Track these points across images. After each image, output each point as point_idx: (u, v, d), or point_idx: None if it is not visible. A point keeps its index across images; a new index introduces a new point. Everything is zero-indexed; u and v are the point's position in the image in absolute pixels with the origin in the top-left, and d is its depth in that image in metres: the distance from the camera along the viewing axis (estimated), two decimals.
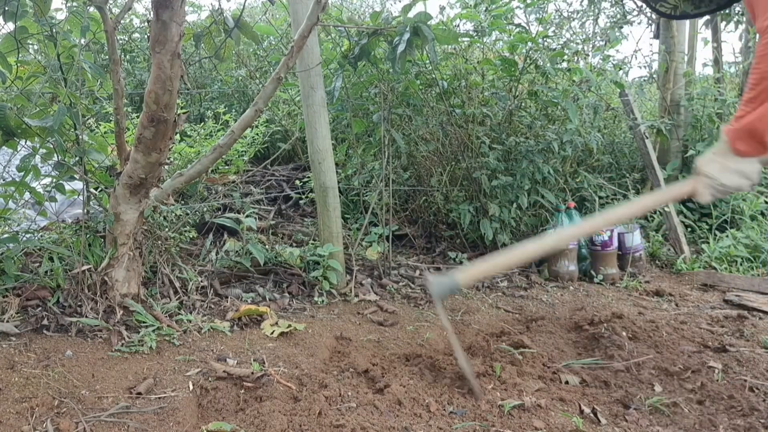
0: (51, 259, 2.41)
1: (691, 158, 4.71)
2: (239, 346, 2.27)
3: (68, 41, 2.26)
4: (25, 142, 2.35)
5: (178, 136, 3.33)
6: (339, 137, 4.12)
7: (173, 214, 2.91)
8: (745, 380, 2.12)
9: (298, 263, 3.04)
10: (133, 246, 2.43)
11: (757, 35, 1.60)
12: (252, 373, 2.01)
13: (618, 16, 6.31)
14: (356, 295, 2.99)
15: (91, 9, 2.20)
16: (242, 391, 1.94)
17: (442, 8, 3.93)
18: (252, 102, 2.37)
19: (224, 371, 2.01)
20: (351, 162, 3.95)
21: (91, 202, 2.53)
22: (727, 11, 5.36)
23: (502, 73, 3.69)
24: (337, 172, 3.17)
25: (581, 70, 3.63)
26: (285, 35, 4.10)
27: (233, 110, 4.57)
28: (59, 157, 2.34)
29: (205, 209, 3.35)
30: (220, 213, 3.43)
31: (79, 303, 2.31)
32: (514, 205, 3.62)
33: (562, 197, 3.81)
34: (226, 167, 3.88)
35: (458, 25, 3.80)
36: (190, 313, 2.53)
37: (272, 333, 2.39)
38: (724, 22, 5.53)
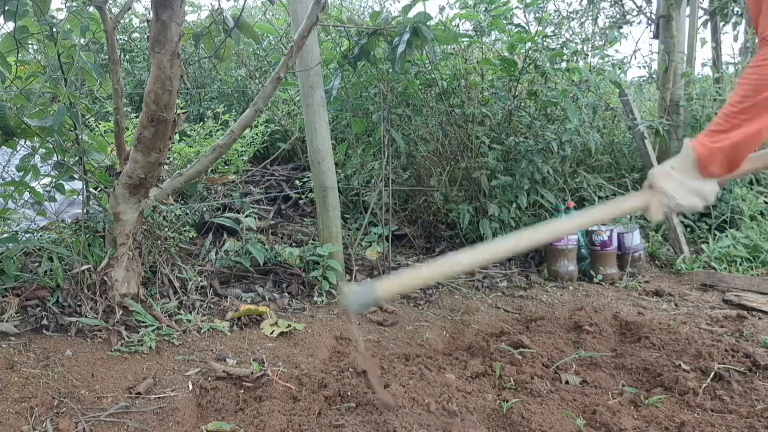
0: (50, 258, 2.41)
1: None
2: (239, 345, 2.27)
3: (68, 41, 2.26)
4: (25, 142, 2.34)
5: (177, 136, 3.32)
6: (339, 137, 4.12)
7: (173, 214, 2.91)
8: (746, 380, 2.12)
9: (297, 263, 3.04)
10: (132, 246, 2.43)
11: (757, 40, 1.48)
12: (251, 372, 2.01)
13: (617, 16, 6.31)
14: None
15: (91, 9, 2.20)
16: (242, 390, 1.94)
17: (442, 8, 3.93)
18: (251, 102, 2.37)
19: (224, 371, 2.01)
20: (351, 162, 3.94)
21: (90, 202, 2.53)
22: (725, 11, 5.37)
23: (501, 72, 3.69)
24: (336, 172, 3.17)
25: (580, 69, 3.63)
26: (285, 35, 4.10)
27: (233, 110, 4.57)
28: (59, 157, 2.34)
29: (204, 209, 3.35)
30: (219, 213, 3.42)
31: (79, 303, 2.31)
32: (514, 205, 3.62)
33: (562, 197, 3.81)
34: (226, 167, 3.88)
35: (458, 25, 3.80)
36: (190, 312, 2.53)
37: (272, 333, 2.39)
38: (722, 22, 5.54)
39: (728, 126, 1.38)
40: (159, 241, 2.71)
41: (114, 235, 2.37)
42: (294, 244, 3.42)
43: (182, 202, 3.38)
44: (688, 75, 4.93)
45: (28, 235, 2.49)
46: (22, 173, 2.30)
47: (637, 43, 13.61)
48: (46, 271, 2.37)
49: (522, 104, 3.84)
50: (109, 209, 2.38)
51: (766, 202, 4.29)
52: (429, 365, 2.20)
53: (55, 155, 2.35)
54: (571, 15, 6.10)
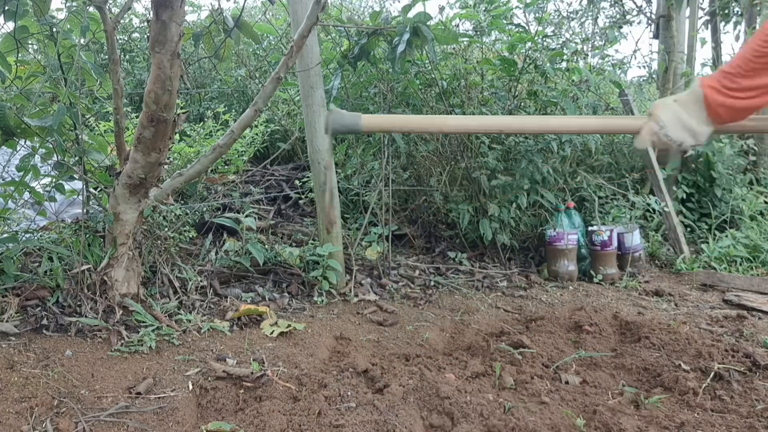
0: (50, 258, 2.41)
1: (691, 158, 4.71)
2: (239, 345, 2.27)
3: (68, 41, 2.26)
4: (25, 142, 2.34)
5: (177, 136, 3.32)
6: (339, 137, 4.12)
7: (173, 214, 2.91)
8: (746, 380, 2.12)
9: (297, 263, 3.04)
10: (132, 246, 2.43)
11: None
12: (251, 372, 2.01)
13: (617, 15, 6.32)
14: (356, 295, 2.99)
15: (91, 9, 2.20)
16: (242, 390, 1.94)
17: (442, 8, 3.93)
18: (251, 102, 2.37)
19: (224, 371, 2.01)
20: (351, 162, 3.95)
21: (90, 202, 2.53)
22: (725, 11, 5.37)
23: (501, 72, 3.69)
24: (336, 172, 3.17)
25: (580, 69, 3.63)
26: (285, 35, 4.10)
27: (233, 110, 4.57)
28: (59, 157, 2.34)
29: (204, 209, 3.35)
30: (219, 213, 3.43)
31: (79, 303, 2.31)
32: (514, 205, 3.62)
33: (562, 197, 3.81)
34: (226, 167, 3.88)
35: (457, 25, 3.80)
36: (190, 312, 2.53)
37: (272, 333, 2.39)
38: (723, 22, 5.54)
39: (745, 71, 1.34)
40: (159, 241, 2.71)
41: (114, 235, 2.37)
42: (294, 244, 3.42)
43: (182, 202, 3.38)
44: (687, 75, 4.93)
45: (28, 235, 2.49)
46: (22, 173, 2.30)
47: (637, 43, 13.63)
48: (46, 271, 2.37)
49: (522, 104, 3.84)
50: (109, 209, 2.38)
51: (766, 202, 4.29)
52: (429, 365, 2.20)
53: (55, 155, 2.35)
54: (571, 15, 6.11)
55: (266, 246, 3.14)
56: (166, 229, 2.80)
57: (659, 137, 1.48)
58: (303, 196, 4.10)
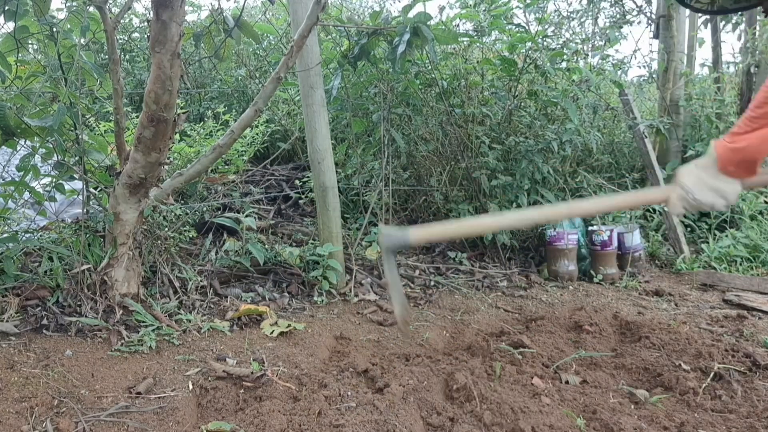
0: (50, 258, 2.41)
1: (691, 158, 4.71)
2: (239, 345, 2.27)
3: (68, 41, 2.26)
4: (25, 142, 2.34)
5: (177, 136, 3.32)
6: (339, 137, 4.12)
7: (173, 214, 2.91)
8: (746, 380, 2.12)
9: (297, 263, 3.04)
10: (132, 246, 2.43)
11: None
12: (251, 372, 2.01)
13: (617, 15, 6.32)
14: (356, 295, 2.99)
15: (91, 9, 2.20)
16: (242, 390, 1.94)
17: (442, 8, 3.93)
18: (251, 102, 2.37)
19: (224, 371, 2.01)
20: (351, 162, 3.95)
21: (90, 202, 2.52)
22: None
23: (501, 72, 3.69)
24: (336, 171, 3.17)
25: (581, 69, 3.64)
26: (285, 35, 4.10)
27: (233, 110, 4.57)
28: (59, 157, 2.34)
29: (204, 209, 3.35)
30: (219, 212, 3.42)
31: (79, 303, 2.31)
32: (514, 204, 3.62)
33: (562, 197, 3.81)
34: (226, 167, 3.88)
35: (458, 25, 3.80)
36: (190, 312, 2.53)
37: (272, 333, 2.39)
38: (723, 22, 5.54)
39: (747, 129, 1.41)
40: (159, 241, 2.71)
41: (114, 234, 2.37)
42: (294, 244, 3.42)
43: (182, 202, 3.38)
44: (687, 75, 4.93)
45: (28, 235, 2.49)
46: (22, 173, 2.30)
47: (637, 43, 13.62)
48: (46, 271, 2.37)
49: (522, 104, 3.85)
50: (109, 209, 2.38)
51: (766, 202, 4.29)
52: (429, 365, 2.20)
53: (55, 155, 2.35)
54: (571, 15, 6.11)
55: (266, 246, 3.14)
56: (166, 229, 2.80)
57: (689, 202, 1.53)
58: (303, 196, 4.09)
